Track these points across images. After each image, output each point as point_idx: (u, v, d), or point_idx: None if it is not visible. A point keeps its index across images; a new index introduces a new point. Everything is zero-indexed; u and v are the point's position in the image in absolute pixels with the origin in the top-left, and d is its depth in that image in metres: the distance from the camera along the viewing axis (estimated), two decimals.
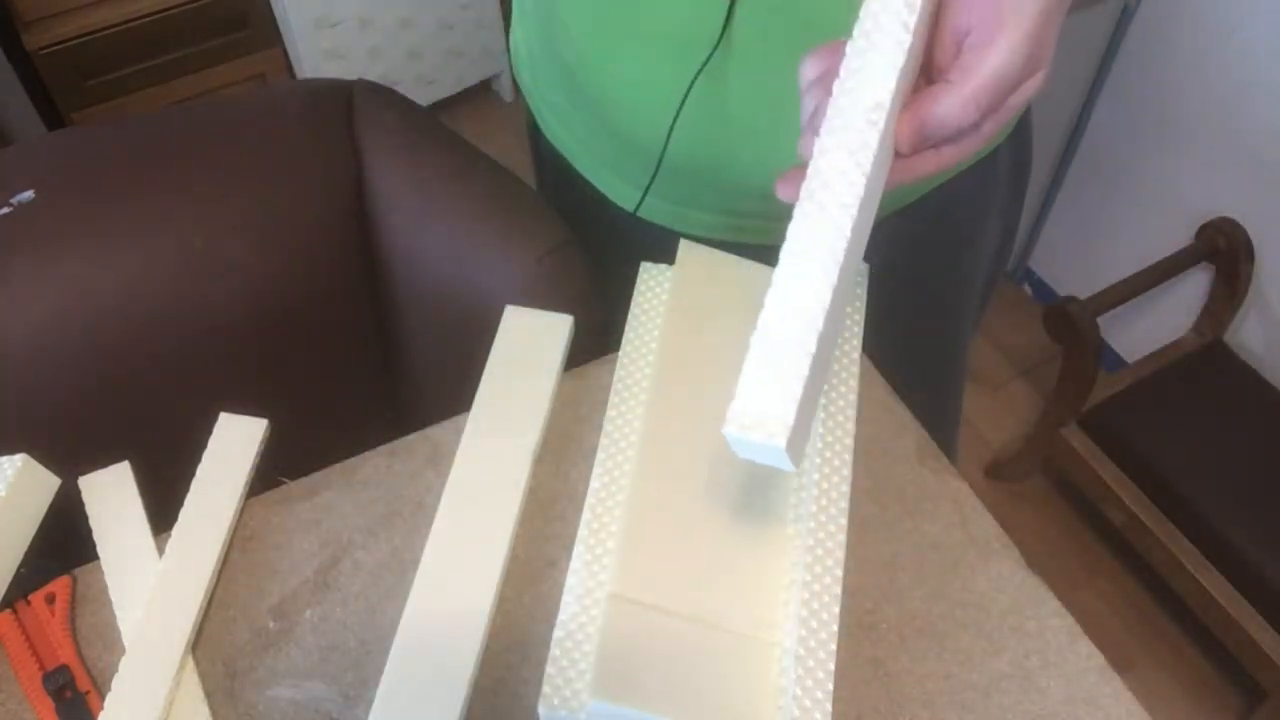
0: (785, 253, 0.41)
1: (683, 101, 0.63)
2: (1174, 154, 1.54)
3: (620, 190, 0.77)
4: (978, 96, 0.40)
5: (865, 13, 0.42)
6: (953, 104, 0.41)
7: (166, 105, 1.86)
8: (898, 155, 0.43)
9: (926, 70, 0.44)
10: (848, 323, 0.61)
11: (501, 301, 0.65)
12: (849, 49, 0.42)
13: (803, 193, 0.41)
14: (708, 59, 0.60)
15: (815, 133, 0.42)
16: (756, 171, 0.68)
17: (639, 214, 0.75)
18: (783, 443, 0.38)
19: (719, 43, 0.59)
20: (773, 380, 0.39)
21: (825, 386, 0.58)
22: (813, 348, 0.39)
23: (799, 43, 0.60)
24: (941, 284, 0.85)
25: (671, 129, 0.65)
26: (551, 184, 0.86)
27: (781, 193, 0.43)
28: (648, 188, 0.72)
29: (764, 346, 0.40)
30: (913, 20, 0.41)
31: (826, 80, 0.43)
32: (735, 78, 0.61)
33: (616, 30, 0.63)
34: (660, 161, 0.68)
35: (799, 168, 0.42)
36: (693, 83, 0.61)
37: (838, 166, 0.41)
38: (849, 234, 0.40)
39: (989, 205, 0.80)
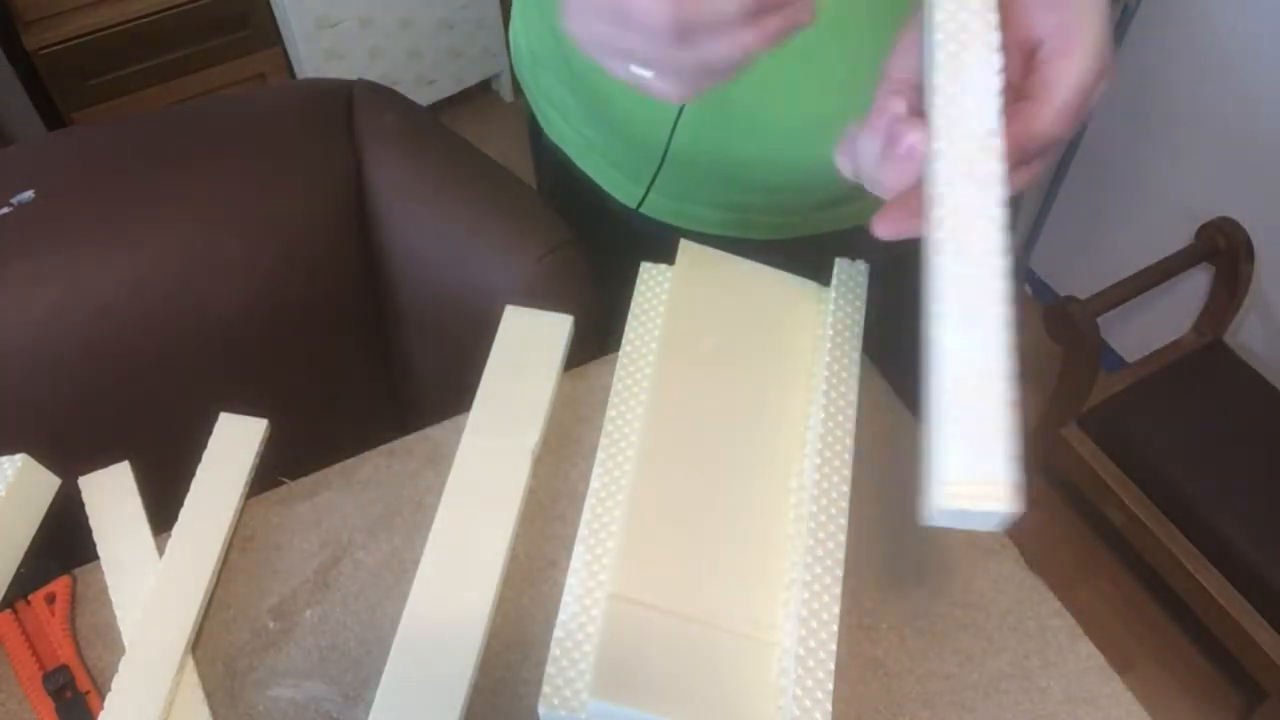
0: (941, 301, 0.38)
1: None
2: (1174, 154, 1.54)
3: (623, 187, 0.77)
4: (1067, 109, 0.40)
5: (939, 30, 0.41)
6: (1046, 119, 0.40)
7: (166, 105, 1.86)
8: None
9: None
10: (848, 322, 0.61)
11: (501, 301, 0.65)
12: (934, 72, 0.40)
13: (938, 232, 0.39)
14: None
15: (898, 162, 0.41)
16: (762, 167, 0.68)
17: (641, 210, 0.75)
18: (1009, 506, 0.34)
19: None
20: (980, 441, 0.35)
21: (825, 386, 0.58)
22: (1009, 397, 0.36)
23: (803, 37, 0.59)
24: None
25: (675, 125, 0.65)
26: (551, 182, 0.85)
27: (883, 230, 0.41)
28: (651, 184, 0.72)
29: (954, 406, 0.36)
30: (997, 37, 0.40)
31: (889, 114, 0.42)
32: (743, 73, 0.61)
33: None
34: (664, 157, 0.68)
35: (897, 203, 0.41)
36: None
37: (972, 205, 0.39)
38: (1004, 277, 0.38)
39: None
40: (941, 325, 0.37)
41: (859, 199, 0.76)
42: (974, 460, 0.35)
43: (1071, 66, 0.40)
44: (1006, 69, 0.41)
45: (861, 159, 0.43)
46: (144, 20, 1.77)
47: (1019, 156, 0.41)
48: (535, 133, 0.83)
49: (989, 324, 0.37)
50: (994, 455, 0.35)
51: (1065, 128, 0.41)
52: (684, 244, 0.63)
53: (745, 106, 0.64)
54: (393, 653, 0.51)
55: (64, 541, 0.57)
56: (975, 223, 0.39)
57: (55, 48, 1.71)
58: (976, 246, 0.38)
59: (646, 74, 0.41)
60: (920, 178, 0.40)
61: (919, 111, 0.41)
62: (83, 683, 0.52)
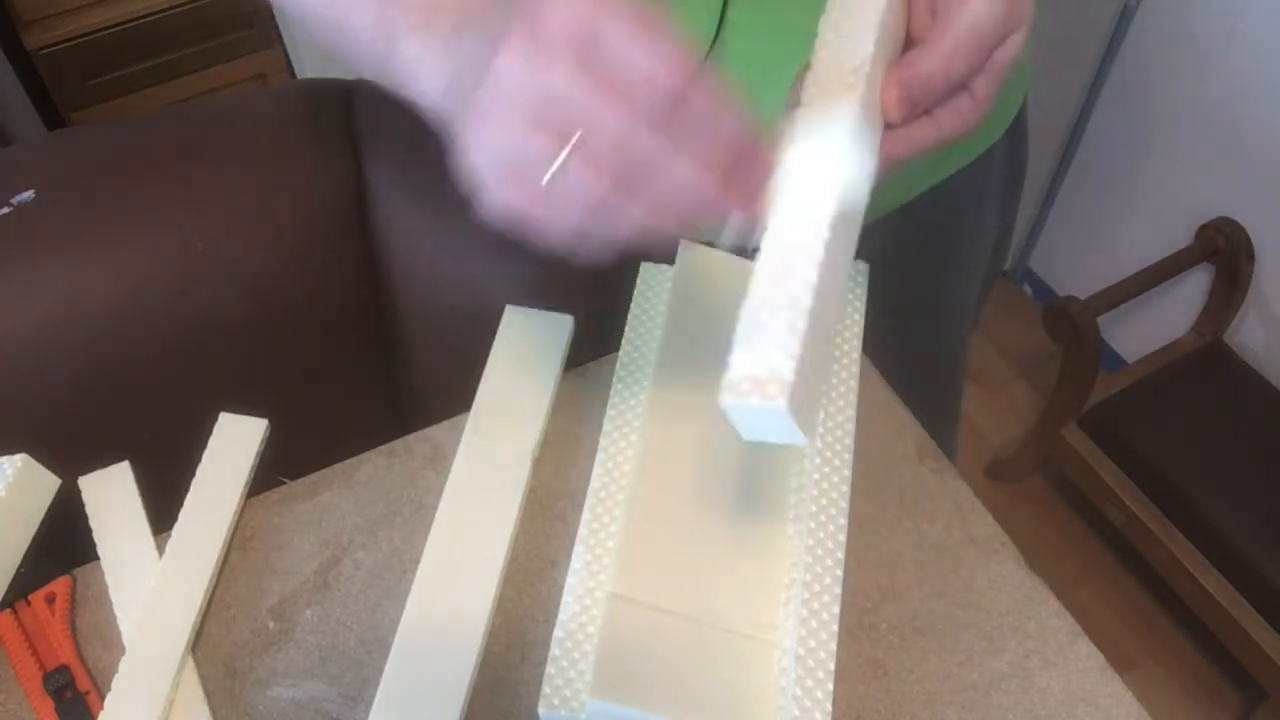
0: (774, 215, 0.39)
1: None
2: (1174, 154, 1.54)
3: None
4: (960, 47, 0.40)
5: None
6: (933, 59, 0.40)
7: (166, 105, 1.86)
8: (890, 126, 0.43)
9: (908, 46, 0.44)
10: (848, 322, 0.61)
11: (501, 301, 0.65)
12: (822, 23, 0.42)
13: (789, 156, 0.40)
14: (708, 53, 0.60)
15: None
16: None
17: None
18: (784, 403, 0.35)
19: (713, 44, 0.59)
20: (768, 341, 0.37)
21: (825, 387, 0.58)
22: (809, 303, 0.37)
23: (793, 44, 0.60)
24: (941, 280, 0.85)
25: None
26: None
27: None
28: None
29: (756, 310, 0.38)
30: None
31: None
32: (730, 78, 0.61)
33: None
34: None
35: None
36: None
37: (824, 127, 0.40)
38: (841, 193, 0.39)
39: (987, 200, 0.80)
40: (769, 235, 0.39)
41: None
42: (758, 359, 0.36)
43: (964, 10, 0.40)
44: (914, 28, 0.41)
45: None
46: (144, 20, 1.77)
47: (913, 100, 0.41)
48: None
49: (811, 236, 0.38)
50: (778, 355, 0.36)
51: (958, 69, 0.40)
52: (684, 244, 0.63)
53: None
54: (393, 653, 0.51)
55: (64, 541, 0.57)
56: (820, 154, 0.39)
57: (55, 48, 1.71)
58: (814, 178, 0.39)
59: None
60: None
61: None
62: (83, 683, 0.52)
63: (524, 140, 0.35)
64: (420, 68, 0.40)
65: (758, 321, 0.37)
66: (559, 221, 0.37)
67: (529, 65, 0.35)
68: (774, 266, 0.39)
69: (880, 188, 0.78)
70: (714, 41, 0.59)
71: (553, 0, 0.35)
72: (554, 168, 0.35)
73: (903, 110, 0.41)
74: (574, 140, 0.34)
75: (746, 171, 0.37)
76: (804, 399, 0.37)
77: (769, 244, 0.39)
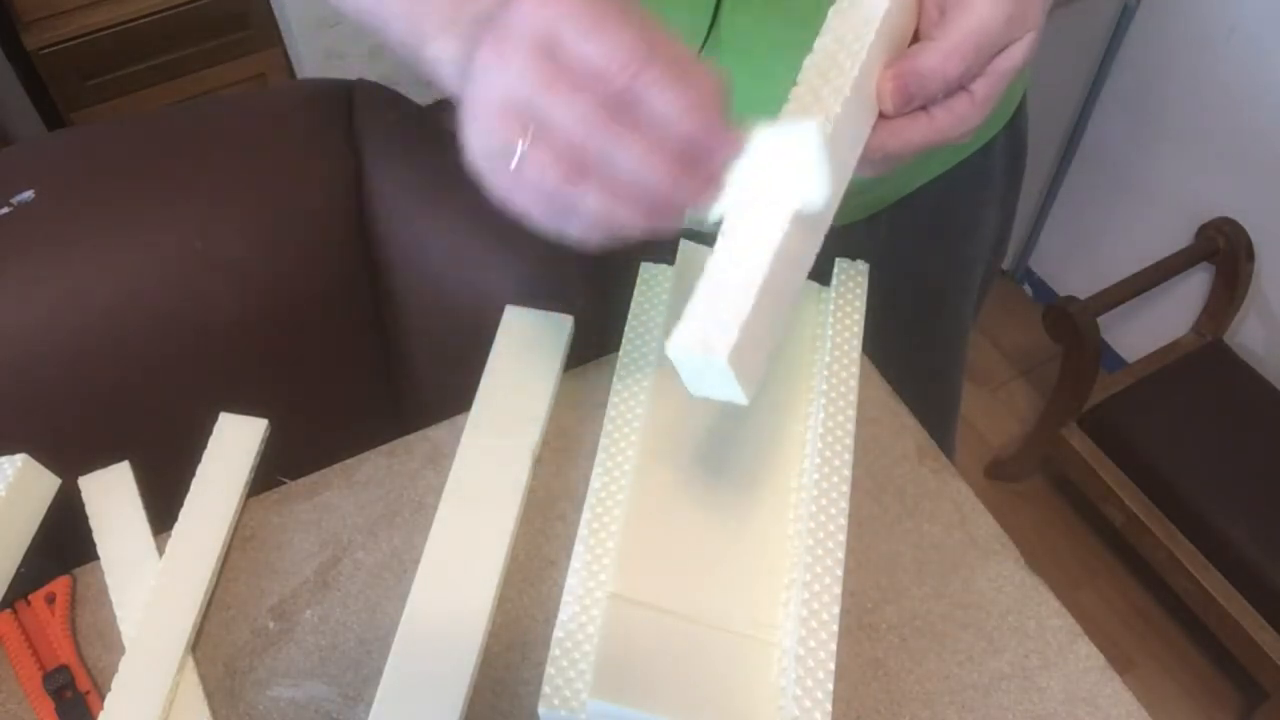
0: (737, 203, 0.40)
1: None
2: (1174, 154, 1.54)
3: None
4: (960, 47, 0.40)
5: None
6: (932, 56, 0.40)
7: (166, 105, 1.86)
8: (884, 116, 0.43)
9: (914, 42, 0.44)
10: (848, 322, 0.61)
11: (501, 301, 0.65)
12: (831, 10, 0.42)
13: (761, 132, 0.40)
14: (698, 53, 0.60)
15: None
16: None
17: None
18: (724, 357, 0.37)
19: (706, 40, 0.59)
20: (720, 305, 0.38)
21: (825, 386, 0.58)
22: (760, 279, 0.39)
23: (789, 39, 0.60)
24: (940, 277, 0.85)
25: None
26: None
27: None
28: None
29: (711, 280, 0.39)
30: None
31: None
32: (733, 71, 0.61)
33: None
34: None
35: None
36: None
37: (817, 95, 0.41)
38: (807, 189, 0.40)
39: (986, 197, 0.80)
40: (726, 226, 0.40)
41: (860, 194, 0.76)
42: (706, 316, 0.39)
43: (970, 12, 0.40)
44: (923, 25, 0.42)
45: None
46: (144, 20, 1.77)
47: (908, 93, 0.41)
48: None
49: (769, 224, 0.40)
50: (726, 314, 0.38)
51: (955, 67, 0.40)
52: (684, 244, 0.63)
53: (742, 107, 0.64)
54: (393, 653, 0.51)
55: (64, 541, 0.57)
56: (796, 134, 0.40)
57: (55, 48, 1.71)
58: (786, 157, 0.40)
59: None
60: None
61: None
62: (83, 683, 0.52)
63: (492, 133, 0.38)
64: (442, 66, 0.42)
65: (711, 289, 0.39)
66: (530, 209, 0.39)
67: (497, 62, 0.37)
68: (731, 250, 0.40)
69: (879, 179, 0.78)
70: (706, 39, 0.59)
71: (520, 1, 0.37)
72: (515, 158, 0.37)
73: (897, 101, 0.41)
74: (529, 132, 0.36)
75: (704, 162, 0.38)
76: (747, 356, 0.39)
77: (729, 228, 0.40)
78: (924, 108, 0.43)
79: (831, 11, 0.43)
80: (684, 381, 0.40)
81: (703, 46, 0.60)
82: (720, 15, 0.58)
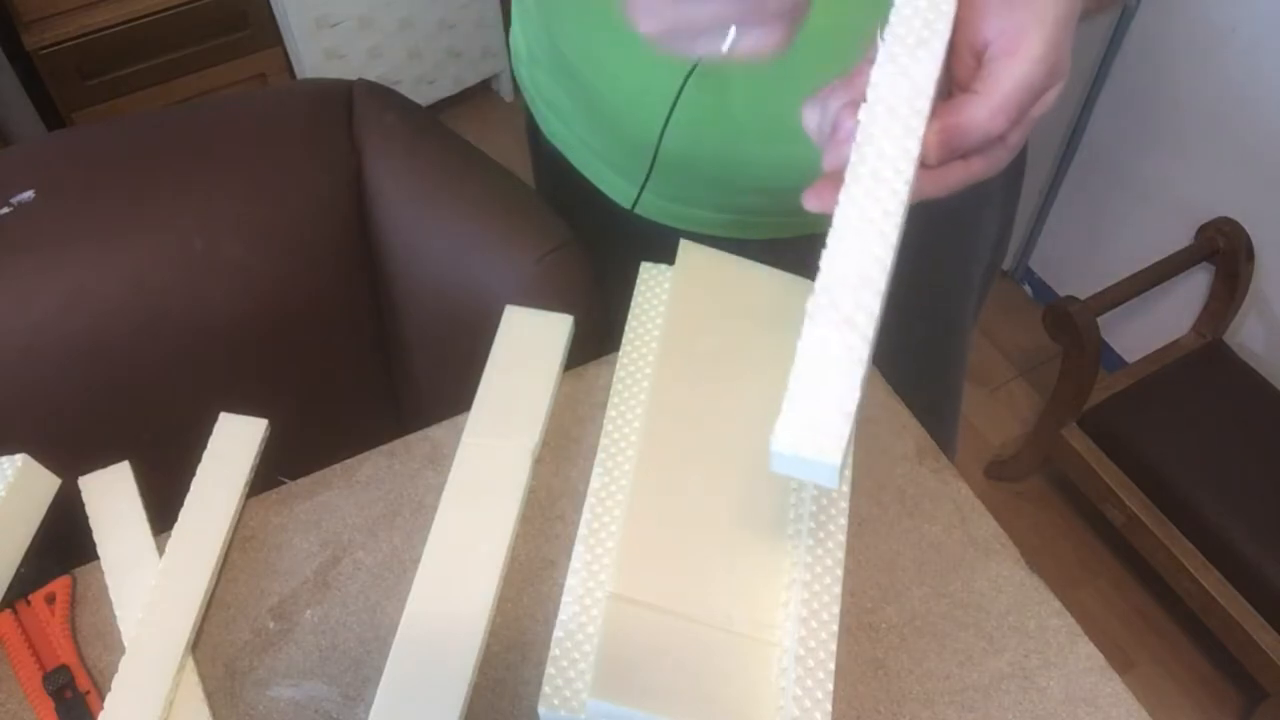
0: (828, 260, 0.40)
1: (675, 101, 0.63)
2: (1174, 154, 1.54)
3: (617, 187, 0.77)
4: (1005, 105, 0.41)
5: (896, 19, 0.42)
6: (979, 112, 0.41)
7: (166, 105, 1.86)
8: (925, 166, 0.43)
9: (945, 85, 0.44)
10: None
11: (501, 301, 0.65)
12: (880, 56, 0.42)
13: (843, 200, 0.40)
14: (698, 60, 0.60)
15: (837, 144, 0.42)
16: (757, 168, 0.68)
17: (636, 211, 0.75)
18: (836, 461, 0.37)
19: None
20: (825, 394, 0.38)
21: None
22: (866, 358, 0.38)
23: (798, 42, 0.59)
24: (940, 277, 0.85)
25: (665, 127, 0.65)
26: (550, 183, 0.86)
27: (811, 203, 0.43)
28: (644, 184, 0.72)
29: (813, 358, 0.39)
30: (947, 30, 0.41)
31: (847, 97, 0.43)
32: (736, 77, 0.61)
33: (615, 29, 0.63)
34: (655, 158, 0.68)
35: (828, 179, 0.42)
36: (684, 83, 0.61)
37: (879, 175, 0.40)
38: (895, 242, 0.40)
39: (986, 196, 0.80)
40: (823, 279, 0.40)
41: None
42: (814, 411, 0.38)
43: (1015, 66, 0.41)
44: (958, 69, 0.42)
45: (824, 123, 0.43)
46: (144, 20, 1.77)
47: (953, 147, 0.41)
48: (533, 133, 0.83)
49: (867, 288, 0.39)
50: (835, 411, 0.38)
51: (1001, 124, 0.41)
52: (684, 244, 0.63)
53: (741, 112, 0.64)
54: (393, 653, 0.51)
55: (64, 541, 0.57)
56: (879, 191, 0.40)
57: (55, 48, 1.71)
58: (876, 215, 0.40)
59: (733, 37, 0.41)
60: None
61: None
62: (83, 683, 0.52)
63: None
64: None
65: (815, 369, 0.39)
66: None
67: None
68: (834, 307, 0.40)
69: None
70: None
71: None
72: None
73: (941, 155, 0.42)
74: None
75: None
76: (849, 451, 0.39)
77: (829, 280, 0.40)
78: (962, 155, 0.43)
79: (875, 68, 0.42)
80: (772, 463, 0.39)
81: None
82: None
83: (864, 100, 0.42)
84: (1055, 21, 0.41)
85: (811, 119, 0.44)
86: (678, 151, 0.67)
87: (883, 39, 0.42)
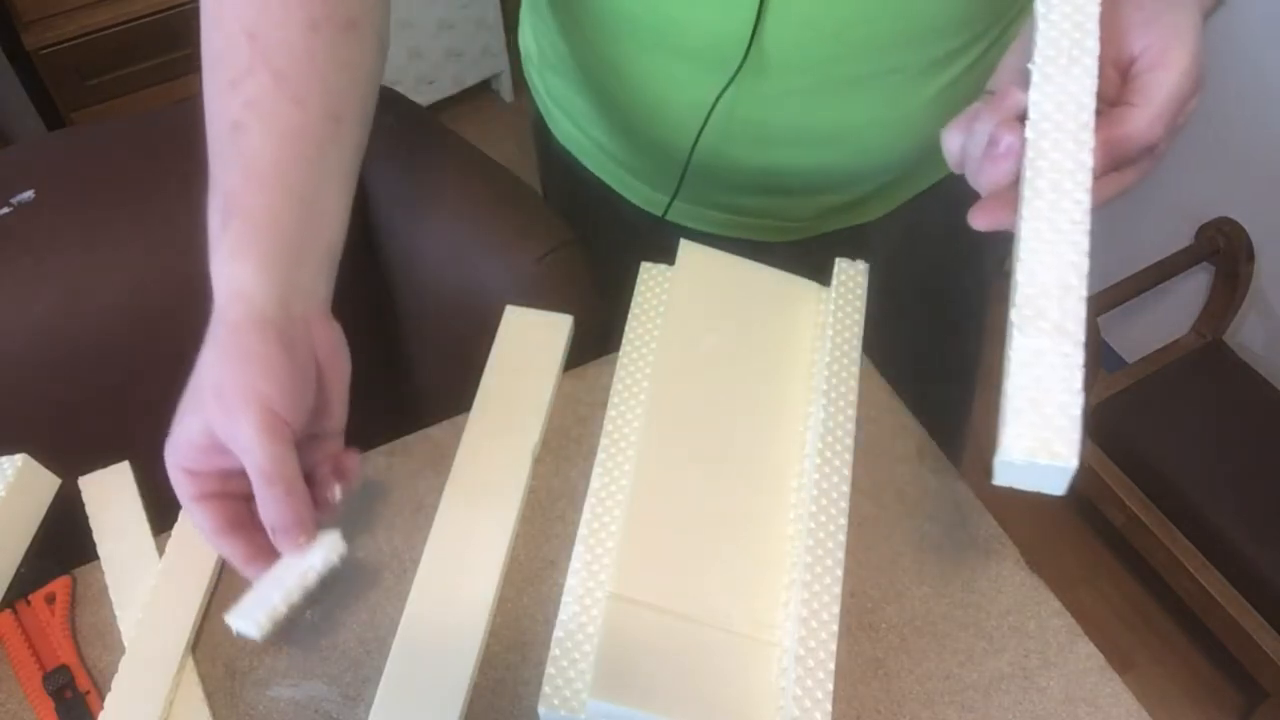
0: (1024, 273, 0.41)
1: (709, 114, 0.63)
2: (1174, 154, 1.52)
3: (640, 192, 0.77)
4: (1162, 114, 0.42)
5: (1043, 41, 0.44)
6: (1139, 123, 0.42)
7: (166, 105, 1.86)
8: None
9: (1099, 103, 0.45)
10: (848, 322, 0.61)
11: (501, 301, 0.65)
12: (1035, 77, 0.43)
13: (1027, 215, 0.42)
14: (736, 72, 0.60)
15: (995, 161, 0.44)
16: (786, 175, 0.68)
17: (660, 216, 0.75)
18: (1074, 464, 0.38)
19: (746, 56, 0.59)
20: (1049, 402, 0.39)
21: (825, 386, 0.58)
22: (1082, 363, 0.39)
23: (832, 52, 0.60)
24: (955, 274, 0.85)
25: (698, 138, 0.65)
26: (559, 185, 0.85)
27: (980, 222, 0.44)
28: (675, 193, 0.72)
29: (1029, 367, 0.40)
30: (1096, 48, 0.43)
31: (997, 118, 0.44)
32: (770, 86, 0.61)
33: (644, 43, 0.63)
34: (686, 169, 0.68)
35: (995, 198, 0.44)
36: (719, 96, 0.62)
37: (1060, 187, 0.42)
38: (1087, 248, 0.41)
39: None
40: (1023, 294, 0.41)
41: (871, 200, 0.76)
42: (1043, 419, 0.39)
43: (1166, 77, 0.42)
44: (1102, 84, 0.44)
45: (971, 146, 0.45)
46: (144, 20, 1.77)
47: (1115, 158, 0.43)
48: (543, 135, 0.83)
49: (1070, 297, 0.41)
50: (1063, 417, 0.39)
51: (1159, 133, 0.43)
52: (684, 244, 0.63)
53: (776, 120, 0.64)
54: (393, 653, 0.51)
55: (64, 541, 0.57)
56: (1061, 214, 0.42)
57: (55, 48, 1.71)
58: (1064, 227, 0.41)
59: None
60: (1015, 176, 0.43)
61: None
62: (83, 683, 0.52)
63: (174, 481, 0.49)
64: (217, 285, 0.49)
65: (1029, 384, 0.40)
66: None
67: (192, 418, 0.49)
68: (1040, 321, 0.41)
69: (901, 178, 0.77)
70: (746, 54, 0.59)
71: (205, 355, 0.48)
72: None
73: (1105, 168, 0.43)
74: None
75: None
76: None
77: (1029, 293, 0.41)
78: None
79: (1033, 88, 0.44)
80: (995, 474, 0.40)
81: (744, 60, 0.59)
82: (763, 29, 0.58)
83: (1023, 119, 0.43)
84: (1194, 35, 0.43)
85: (955, 141, 0.46)
86: (705, 159, 0.67)
87: (1034, 62, 0.44)
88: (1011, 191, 0.43)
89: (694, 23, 0.59)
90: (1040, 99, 0.43)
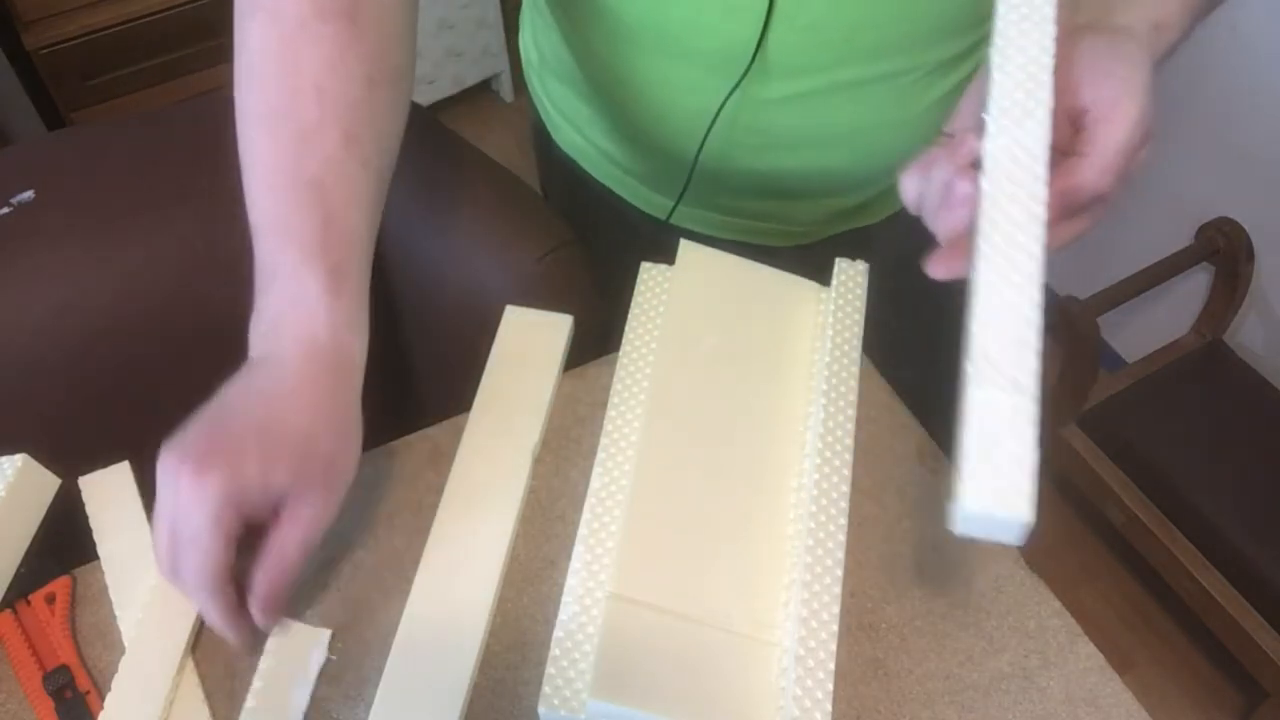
0: (978, 325, 0.42)
1: (714, 119, 0.63)
2: (1174, 154, 1.54)
3: (643, 196, 0.77)
4: (1113, 165, 0.44)
5: (998, 93, 0.45)
6: (1090, 174, 0.44)
7: (166, 105, 1.86)
8: None
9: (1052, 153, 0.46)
10: (848, 322, 0.61)
11: (501, 301, 0.65)
12: (990, 128, 0.44)
13: (981, 266, 0.42)
14: (742, 77, 0.60)
15: (951, 209, 0.45)
16: (789, 178, 0.68)
17: (662, 220, 0.75)
18: (1028, 517, 0.39)
19: (752, 62, 0.59)
20: (1003, 454, 0.40)
21: (825, 386, 0.58)
22: (1036, 416, 0.40)
23: (838, 56, 0.60)
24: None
25: (703, 143, 0.65)
26: (560, 188, 0.85)
27: (937, 271, 0.45)
28: (680, 197, 0.72)
29: (983, 420, 0.41)
30: (1050, 101, 0.44)
31: (952, 166, 0.45)
32: (776, 90, 0.61)
33: (649, 49, 0.63)
34: (691, 174, 0.68)
35: (951, 247, 0.45)
36: (725, 101, 0.62)
37: (1014, 240, 0.43)
38: (1040, 301, 0.42)
39: None
40: (977, 341, 0.42)
41: (875, 203, 0.76)
42: (995, 470, 0.40)
43: (1116, 130, 0.44)
44: (1055, 135, 0.44)
45: (928, 191, 0.46)
46: (144, 20, 1.77)
47: (1067, 207, 0.44)
48: (543, 139, 0.83)
49: (1023, 347, 0.41)
50: (1016, 467, 0.40)
51: (1109, 183, 0.44)
52: (684, 244, 0.63)
53: (782, 125, 0.64)
54: (393, 653, 0.51)
55: (64, 541, 0.57)
56: (1015, 268, 0.42)
57: (55, 48, 1.71)
58: (1014, 290, 0.42)
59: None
60: (970, 223, 0.44)
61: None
62: (83, 683, 0.52)
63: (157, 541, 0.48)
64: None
65: (984, 434, 0.40)
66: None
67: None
68: (996, 368, 0.41)
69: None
70: (754, 58, 0.59)
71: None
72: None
73: (1057, 216, 0.44)
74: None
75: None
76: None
77: (984, 341, 0.42)
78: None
79: (988, 139, 0.44)
80: (954, 524, 0.41)
81: (750, 66, 0.59)
82: (769, 35, 0.58)
83: (977, 169, 0.44)
84: (1143, 88, 0.44)
85: (912, 187, 0.47)
86: (710, 163, 0.67)
87: (989, 113, 0.45)
88: (968, 240, 0.44)
89: (701, 28, 0.59)
90: (995, 150, 0.44)
